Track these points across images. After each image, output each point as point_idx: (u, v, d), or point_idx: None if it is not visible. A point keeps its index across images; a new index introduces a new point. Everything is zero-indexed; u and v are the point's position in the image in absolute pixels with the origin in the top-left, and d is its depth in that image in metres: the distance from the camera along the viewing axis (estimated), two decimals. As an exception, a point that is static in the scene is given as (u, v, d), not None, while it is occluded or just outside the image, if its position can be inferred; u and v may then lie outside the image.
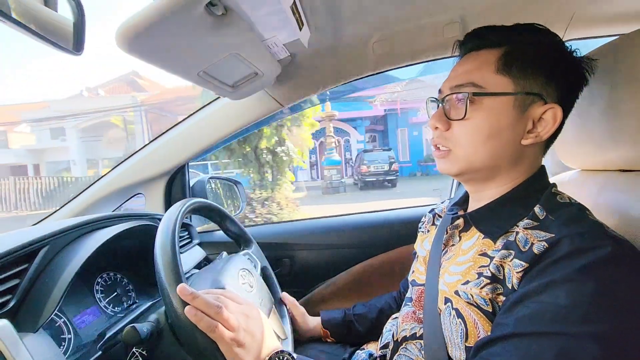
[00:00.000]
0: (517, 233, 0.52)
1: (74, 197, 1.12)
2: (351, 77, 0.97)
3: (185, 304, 0.55)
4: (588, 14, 0.84)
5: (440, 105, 0.60)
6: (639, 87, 0.52)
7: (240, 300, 0.62)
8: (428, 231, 0.78)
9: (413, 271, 0.76)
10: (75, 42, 0.42)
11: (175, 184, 1.17)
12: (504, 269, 0.50)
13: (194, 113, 1.07)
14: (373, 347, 0.87)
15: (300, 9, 0.66)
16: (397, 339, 0.68)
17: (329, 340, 0.95)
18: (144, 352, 0.63)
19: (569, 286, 0.43)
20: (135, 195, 1.18)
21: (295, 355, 0.56)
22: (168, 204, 1.17)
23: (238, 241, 0.97)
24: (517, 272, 0.47)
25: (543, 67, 0.53)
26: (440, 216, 0.78)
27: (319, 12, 0.73)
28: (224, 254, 0.92)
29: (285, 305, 0.95)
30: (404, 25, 0.88)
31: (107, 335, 0.65)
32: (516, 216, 0.54)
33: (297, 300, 1.19)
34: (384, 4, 0.78)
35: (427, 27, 0.88)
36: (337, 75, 0.97)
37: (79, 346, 0.67)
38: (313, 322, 0.97)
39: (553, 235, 0.47)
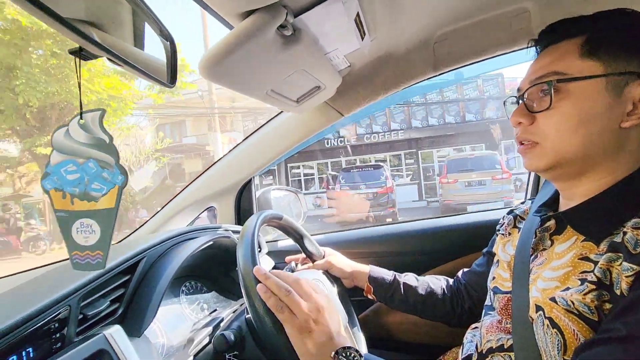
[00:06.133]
0: (625, 233, 0.47)
1: (156, 213, 1.24)
2: (413, 80, 0.95)
3: (259, 283, 0.59)
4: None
5: (520, 101, 0.57)
6: None
7: (315, 290, 0.63)
8: (509, 234, 0.73)
9: (494, 277, 0.71)
10: (169, 76, 0.47)
11: (244, 197, 1.24)
12: (611, 274, 0.45)
13: (259, 128, 1.12)
14: (452, 359, 0.83)
15: (363, 19, 0.66)
16: (482, 351, 0.64)
17: (369, 296, 0.92)
18: (234, 355, 0.67)
19: None
20: (208, 208, 1.27)
21: (363, 353, 0.55)
22: (238, 216, 1.24)
23: (314, 260, 0.97)
24: (627, 277, 0.43)
25: (637, 47, 0.48)
26: (522, 218, 0.73)
27: (380, 19, 0.73)
28: (292, 264, 0.96)
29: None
30: (467, 21, 0.84)
31: (196, 340, 0.70)
32: (623, 215, 0.49)
33: (365, 309, 1.19)
34: (445, 0, 0.75)
35: (493, 20, 0.83)
36: (398, 80, 0.95)
37: (171, 350, 0.73)
38: (360, 273, 0.94)
39: None
